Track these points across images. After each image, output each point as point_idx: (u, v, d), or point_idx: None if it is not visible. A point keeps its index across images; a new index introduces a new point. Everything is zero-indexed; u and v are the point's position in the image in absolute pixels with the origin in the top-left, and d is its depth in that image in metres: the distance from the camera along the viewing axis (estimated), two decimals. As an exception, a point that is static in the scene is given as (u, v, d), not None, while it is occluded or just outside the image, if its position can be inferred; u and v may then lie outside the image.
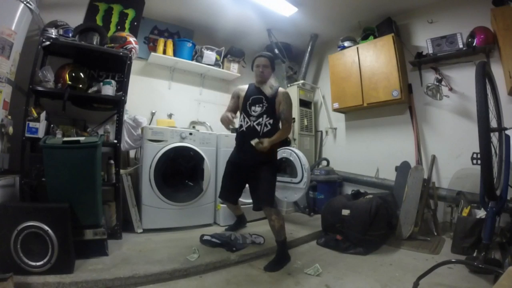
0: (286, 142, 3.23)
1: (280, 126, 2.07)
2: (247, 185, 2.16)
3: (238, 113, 2.16)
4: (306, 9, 3.05)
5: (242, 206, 2.53)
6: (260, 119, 2.02)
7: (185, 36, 3.38)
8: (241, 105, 2.11)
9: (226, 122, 1.97)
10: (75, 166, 1.69)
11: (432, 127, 2.92)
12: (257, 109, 2.03)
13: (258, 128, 2.02)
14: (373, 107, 3.14)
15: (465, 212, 2.24)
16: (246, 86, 2.16)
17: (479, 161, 1.64)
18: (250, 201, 2.21)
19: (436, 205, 2.64)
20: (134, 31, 2.80)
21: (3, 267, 1.42)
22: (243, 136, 2.05)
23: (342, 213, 2.34)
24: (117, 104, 2.32)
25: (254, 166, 2.01)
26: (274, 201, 1.99)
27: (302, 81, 3.75)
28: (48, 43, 2.05)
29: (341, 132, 3.70)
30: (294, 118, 3.60)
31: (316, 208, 3.23)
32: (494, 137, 1.69)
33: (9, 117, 1.84)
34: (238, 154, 2.13)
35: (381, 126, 3.29)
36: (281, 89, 2.07)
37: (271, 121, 2.03)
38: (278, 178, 2.90)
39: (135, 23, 2.87)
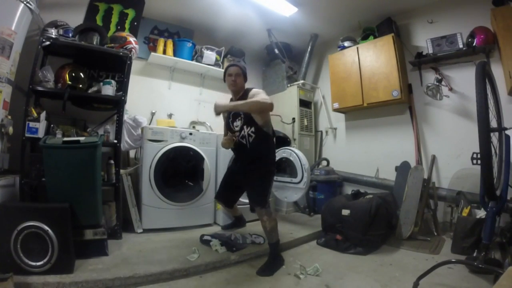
0: (286, 142, 3.25)
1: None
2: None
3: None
4: (306, 9, 3.05)
5: (240, 206, 2.51)
6: (243, 132, 1.99)
7: (185, 36, 3.38)
8: (226, 124, 2.13)
9: (228, 143, 2.03)
10: (75, 166, 1.69)
11: (432, 127, 2.92)
12: (238, 123, 2.03)
13: (244, 141, 1.99)
14: (373, 107, 3.14)
15: (465, 212, 2.24)
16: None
17: (479, 161, 1.64)
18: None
19: (436, 205, 2.64)
20: (134, 31, 2.80)
21: (3, 267, 1.42)
22: (236, 152, 2.15)
23: (342, 213, 2.34)
24: (117, 104, 2.33)
25: (248, 171, 2.02)
26: (265, 202, 1.93)
27: (302, 81, 3.75)
28: (48, 43, 2.05)
29: (341, 132, 3.70)
30: (294, 118, 3.61)
31: (316, 208, 3.23)
32: (494, 137, 1.69)
33: (9, 117, 1.84)
34: (235, 163, 2.21)
35: (381, 126, 3.29)
36: (253, 90, 2.00)
37: (252, 129, 1.95)
38: (278, 178, 2.92)
39: (135, 23, 2.88)
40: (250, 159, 2.00)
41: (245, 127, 1.98)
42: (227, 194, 2.26)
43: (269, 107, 1.85)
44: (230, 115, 2.09)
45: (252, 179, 1.98)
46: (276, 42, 3.69)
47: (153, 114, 3.16)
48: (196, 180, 2.72)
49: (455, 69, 2.73)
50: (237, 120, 2.04)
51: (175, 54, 3.17)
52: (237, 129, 2.03)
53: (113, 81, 2.29)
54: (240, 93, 2.06)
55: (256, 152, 1.98)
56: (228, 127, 2.11)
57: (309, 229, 2.66)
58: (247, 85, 2.12)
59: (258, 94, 1.90)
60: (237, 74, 2.03)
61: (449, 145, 2.74)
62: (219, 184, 2.37)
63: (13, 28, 1.82)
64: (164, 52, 3.13)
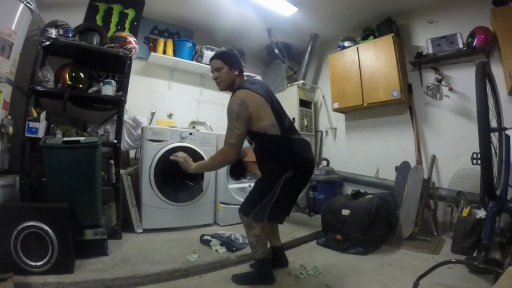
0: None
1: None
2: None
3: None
4: (306, 9, 3.05)
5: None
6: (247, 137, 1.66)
7: (185, 36, 3.38)
8: None
9: None
10: (75, 166, 1.69)
11: (432, 127, 2.92)
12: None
13: (252, 147, 1.71)
14: (373, 107, 3.14)
15: (465, 212, 2.24)
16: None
17: (479, 161, 1.64)
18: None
19: (436, 205, 2.64)
20: (134, 31, 2.80)
21: (3, 267, 1.42)
22: None
23: (342, 213, 2.34)
24: (117, 104, 2.32)
25: None
26: (247, 211, 1.63)
27: (302, 81, 3.75)
28: (48, 43, 2.05)
29: (341, 132, 3.70)
30: (294, 118, 3.61)
31: (316, 208, 3.22)
32: (494, 137, 1.69)
33: (9, 117, 1.84)
34: None
35: (381, 126, 3.29)
36: (233, 97, 1.61)
37: (248, 137, 1.64)
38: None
39: (135, 23, 2.88)
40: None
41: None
42: None
43: (228, 159, 1.54)
44: None
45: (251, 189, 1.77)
46: (276, 42, 3.69)
47: (153, 114, 3.16)
48: (196, 180, 2.72)
49: (455, 69, 2.73)
50: None
51: (175, 54, 3.17)
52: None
53: (113, 81, 2.28)
54: (232, 89, 1.69)
55: (257, 158, 1.74)
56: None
57: (309, 229, 2.66)
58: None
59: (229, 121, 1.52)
60: (216, 69, 1.63)
61: (449, 145, 2.74)
62: None
63: (13, 28, 1.82)
64: (164, 52, 3.13)
